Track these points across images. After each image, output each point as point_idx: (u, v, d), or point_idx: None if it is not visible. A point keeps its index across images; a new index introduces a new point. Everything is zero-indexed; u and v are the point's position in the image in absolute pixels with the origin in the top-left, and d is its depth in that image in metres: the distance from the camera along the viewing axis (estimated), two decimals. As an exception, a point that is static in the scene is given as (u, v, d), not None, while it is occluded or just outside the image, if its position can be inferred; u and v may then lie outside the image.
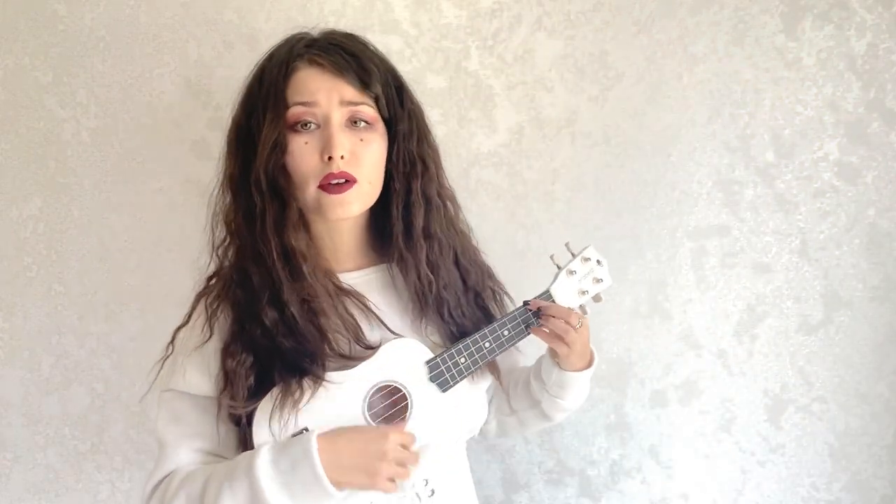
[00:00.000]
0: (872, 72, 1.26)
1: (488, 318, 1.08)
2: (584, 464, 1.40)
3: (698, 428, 1.37)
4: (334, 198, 0.95)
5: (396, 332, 1.01)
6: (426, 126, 1.05)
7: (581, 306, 1.08)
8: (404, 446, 0.93)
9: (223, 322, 0.98)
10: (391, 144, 1.00)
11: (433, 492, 0.98)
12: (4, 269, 1.42)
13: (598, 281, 1.09)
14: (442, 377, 0.99)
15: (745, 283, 1.33)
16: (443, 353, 1.00)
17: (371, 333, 1.00)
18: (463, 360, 1.00)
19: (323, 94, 0.95)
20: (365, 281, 1.04)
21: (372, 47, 1.02)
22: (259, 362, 0.95)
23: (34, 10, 1.35)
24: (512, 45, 1.31)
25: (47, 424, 1.45)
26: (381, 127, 0.99)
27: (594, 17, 1.29)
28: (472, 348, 1.01)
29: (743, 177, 1.31)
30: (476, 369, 1.01)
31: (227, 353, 0.95)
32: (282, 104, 0.95)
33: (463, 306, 1.06)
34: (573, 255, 1.08)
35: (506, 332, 1.03)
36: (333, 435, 0.90)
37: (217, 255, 1.02)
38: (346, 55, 0.97)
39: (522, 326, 1.04)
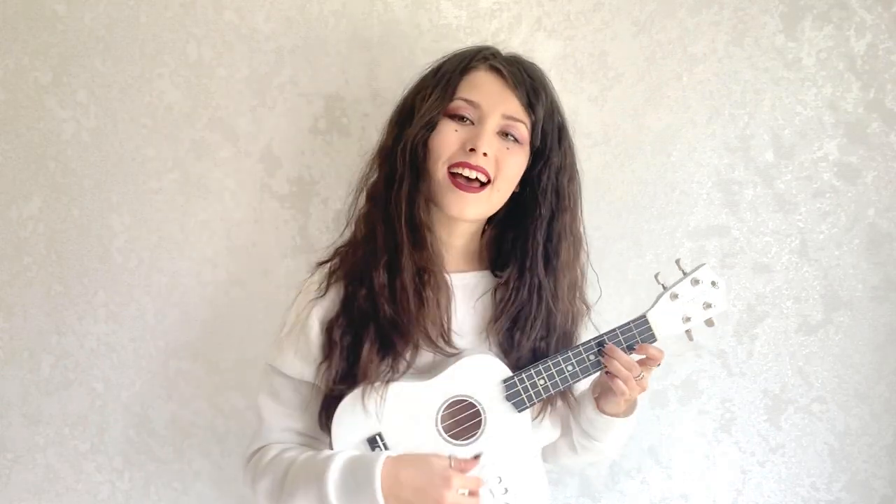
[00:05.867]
0: (872, 72, 1.26)
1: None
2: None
3: (698, 428, 1.37)
4: (461, 193, 0.98)
5: (466, 344, 1.02)
6: (577, 168, 1.08)
7: (687, 332, 1.03)
8: (467, 491, 0.92)
9: (336, 292, 1.02)
10: (540, 173, 1.03)
11: (507, 490, 0.99)
12: (4, 269, 1.42)
13: (708, 306, 1.00)
14: (518, 397, 0.98)
15: (745, 284, 1.33)
16: (521, 372, 0.98)
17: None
18: (542, 381, 0.98)
19: (489, 99, 0.99)
20: (463, 284, 1.06)
21: (549, 82, 1.06)
22: (356, 334, 0.98)
23: (34, 10, 1.35)
24: (512, 45, 1.31)
25: (47, 424, 1.45)
26: (527, 150, 1.02)
27: (594, 18, 1.29)
28: (553, 370, 0.98)
29: (743, 177, 1.31)
30: (555, 392, 1.00)
31: (332, 323, 1.00)
32: (449, 92, 0.99)
33: (545, 342, 1.05)
34: (683, 275, 1.00)
35: (591, 357, 0.99)
36: (399, 463, 0.92)
37: (352, 225, 1.06)
38: (525, 73, 1.02)
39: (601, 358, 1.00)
